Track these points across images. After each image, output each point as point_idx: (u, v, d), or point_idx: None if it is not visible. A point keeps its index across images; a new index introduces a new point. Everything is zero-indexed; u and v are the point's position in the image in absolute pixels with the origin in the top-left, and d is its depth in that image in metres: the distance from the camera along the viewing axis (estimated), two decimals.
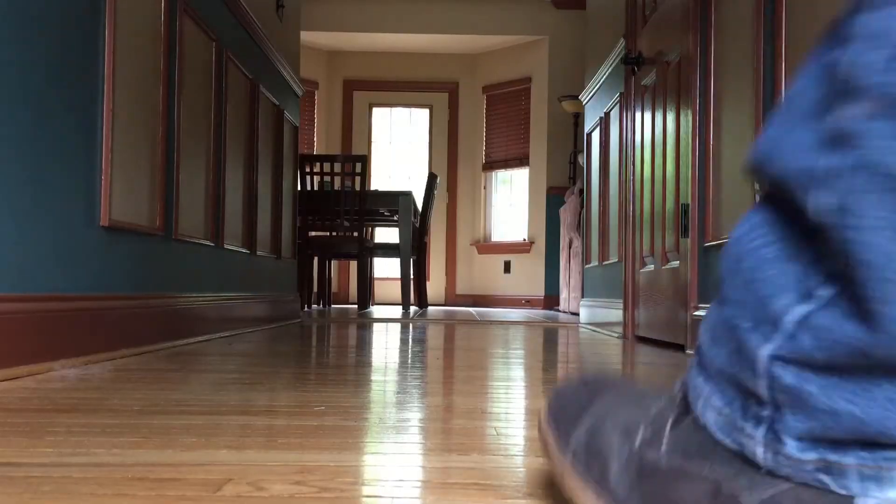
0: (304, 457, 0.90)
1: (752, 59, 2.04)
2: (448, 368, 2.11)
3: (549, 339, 3.33)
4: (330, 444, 0.98)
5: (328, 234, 5.69)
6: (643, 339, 3.29)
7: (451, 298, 8.73)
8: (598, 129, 4.41)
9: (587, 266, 4.69)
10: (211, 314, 2.92)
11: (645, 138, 3.33)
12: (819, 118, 0.51)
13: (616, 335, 3.58)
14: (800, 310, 0.52)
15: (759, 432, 0.55)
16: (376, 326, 3.97)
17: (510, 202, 8.51)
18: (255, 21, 3.53)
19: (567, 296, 6.56)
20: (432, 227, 8.57)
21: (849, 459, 0.53)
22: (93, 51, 2.00)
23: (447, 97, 9.03)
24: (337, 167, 5.48)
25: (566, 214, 6.49)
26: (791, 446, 0.53)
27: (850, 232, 0.48)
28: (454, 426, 1.14)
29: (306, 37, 8.01)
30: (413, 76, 9.03)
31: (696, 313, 2.49)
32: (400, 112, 9.15)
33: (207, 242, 2.92)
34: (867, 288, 0.48)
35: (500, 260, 8.43)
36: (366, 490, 0.78)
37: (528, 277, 8.10)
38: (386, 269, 8.48)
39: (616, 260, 3.80)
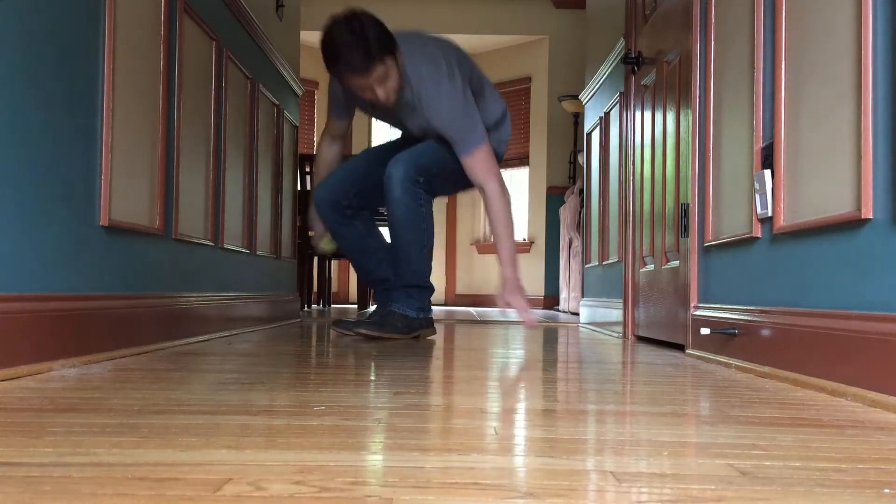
0: (304, 457, 0.90)
1: (751, 59, 2.04)
2: (448, 368, 2.11)
3: (549, 338, 3.33)
4: (330, 444, 0.98)
5: None
6: (643, 339, 3.30)
7: (451, 298, 8.73)
8: (597, 128, 4.41)
9: (587, 266, 4.69)
10: (211, 314, 2.92)
11: (645, 138, 3.33)
12: None
13: (616, 335, 3.58)
14: None
15: None
16: None
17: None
18: (254, 21, 3.53)
19: (567, 295, 6.56)
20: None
21: None
22: (93, 51, 2.00)
23: None
24: None
25: (566, 214, 6.49)
26: None
27: None
28: (454, 426, 1.14)
29: (306, 36, 8.00)
30: None
31: (697, 313, 2.49)
32: None
33: (207, 242, 2.92)
34: None
35: None
36: (366, 490, 0.78)
37: (527, 277, 8.10)
38: None
39: (616, 260, 3.80)
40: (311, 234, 3.10)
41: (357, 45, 2.58)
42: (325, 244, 3.15)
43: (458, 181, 3.02)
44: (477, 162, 2.83)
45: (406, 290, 2.97)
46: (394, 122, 3.03)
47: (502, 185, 2.88)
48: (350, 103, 3.07)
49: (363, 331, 2.92)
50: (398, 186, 2.88)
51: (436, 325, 3.24)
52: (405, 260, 2.96)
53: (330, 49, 2.64)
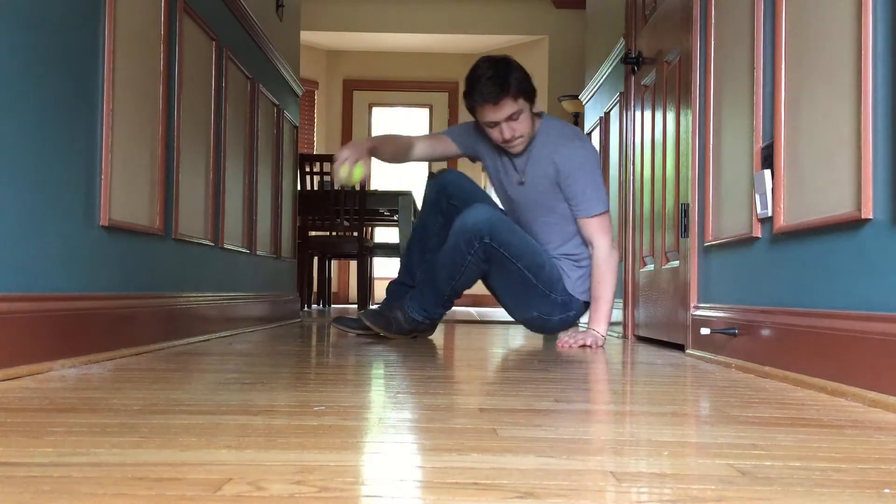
0: (304, 457, 0.90)
1: (751, 59, 2.04)
2: (448, 368, 2.11)
3: (549, 338, 3.32)
4: (330, 444, 0.98)
5: (328, 233, 5.69)
6: (643, 339, 3.30)
7: None
8: (597, 128, 4.41)
9: None
10: (211, 314, 2.92)
11: (645, 138, 3.33)
12: None
13: (616, 335, 3.58)
14: None
15: None
16: None
17: None
18: (254, 21, 3.53)
19: None
20: None
21: None
22: (93, 51, 2.00)
23: (447, 97, 9.03)
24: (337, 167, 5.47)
25: None
26: None
27: None
28: (454, 426, 1.14)
29: (306, 36, 8.01)
30: (413, 76, 9.03)
31: (697, 313, 2.49)
32: (400, 112, 9.15)
33: (207, 242, 2.92)
34: None
35: None
36: (366, 490, 0.78)
37: None
38: (386, 269, 8.47)
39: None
40: (335, 162, 2.88)
41: (496, 77, 2.72)
42: (358, 171, 2.81)
43: (502, 283, 2.96)
44: (594, 222, 2.81)
45: (422, 295, 2.97)
46: (505, 184, 3.00)
47: (612, 245, 2.83)
48: (477, 148, 3.08)
49: (366, 321, 2.94)
50: (463, 225, 2.84)
51: (437, 324, 3.24)
52: (433, 276, 2.95)
53: (470, 79, 2.77)
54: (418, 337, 3.03)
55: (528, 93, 2.78)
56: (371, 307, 3.06)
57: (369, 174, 2.88)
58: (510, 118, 2.74)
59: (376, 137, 3.12)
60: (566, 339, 2.77)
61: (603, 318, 2.80)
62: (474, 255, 2.84)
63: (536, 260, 2.89)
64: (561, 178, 2.81)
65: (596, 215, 2.80)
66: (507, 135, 2.78)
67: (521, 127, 2.78)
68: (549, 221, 2.91)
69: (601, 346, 2.77)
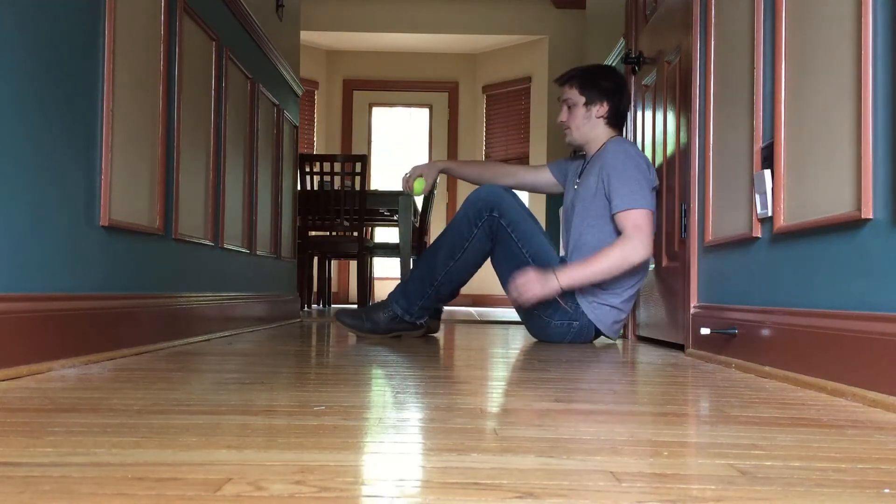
0: (304, 456, 0.90)
1: (751, 59, 2.04)
2: (448, 368, 2.11)
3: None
4: (330, 443, 0.98)
5: (328, 233, 5.69)
6: (643, 339, 3.29)
7: None
8: None
9: None
10: (211, 314, 2.92)
11: (645, 138, 3.33)
12: None
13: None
14: None
15: None
16: None
17: None
18: (254, 21, 3.53)
19: None
20: (432, 227, 8.57)
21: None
22: (93, 51, 2.00)
23: (447, 97, 9.03)
24: (337, 167, 5.48)
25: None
26: None
27: None
28: (454, 426, 1.14)
29: (306, 36, 8.01)
30: (413, 76, 9.03)
31: (697, 313, 2.49)
32: (400, 112, 9.15)
33: (207, 242, 2.92)
34: None
35: None
36: (366, 490, 0.78)
37: None
38: (386, 268, 8.48)
39: None
40: (406, 177, 3.23)
41: (577, 67, 3.10)
42: (418, 184, 3.16)
43: (507, 267, 2.93)
44: (623, 217, 2.76)
45: (405, 286, 2.97)
46: (568, 192, 3.10)
47: (641, 246, 2.73)
48: (567, 170, 3.20)
49: (344, 321, 3.00)
50: (475, 197, 2.93)
51: (422, 326, 3.23)
52: (426, 257, 2.98)
53: None
54: (403, 336, 3.02)
55: (588, 92, 2.97)
56: (355, 309, 3.10)
57: (432, 186, 3.24)
58: (565, 101, 3.01)
59: (460, 160, 3.35)
60: (520, 281, 2.77)
61: (571, 273, 2.76)
62: (480, 230, 2.86)
63: (543, 252, 2.91)
64: (604, 175, 2.85)
65: (626, 210, 2.76)
66: (561, 116, 3.03)
67: (571, 118, 2.99)
68: (585, 222, 2.92)
69: (540, 294, 2.76)
